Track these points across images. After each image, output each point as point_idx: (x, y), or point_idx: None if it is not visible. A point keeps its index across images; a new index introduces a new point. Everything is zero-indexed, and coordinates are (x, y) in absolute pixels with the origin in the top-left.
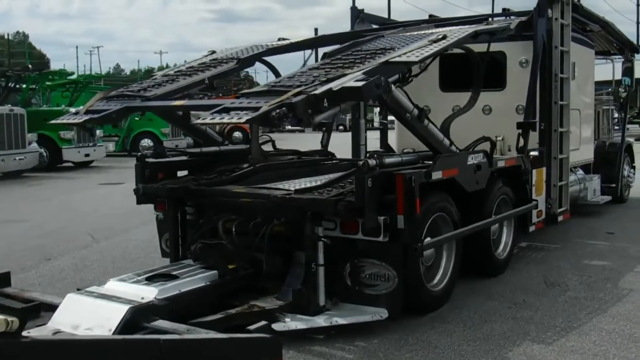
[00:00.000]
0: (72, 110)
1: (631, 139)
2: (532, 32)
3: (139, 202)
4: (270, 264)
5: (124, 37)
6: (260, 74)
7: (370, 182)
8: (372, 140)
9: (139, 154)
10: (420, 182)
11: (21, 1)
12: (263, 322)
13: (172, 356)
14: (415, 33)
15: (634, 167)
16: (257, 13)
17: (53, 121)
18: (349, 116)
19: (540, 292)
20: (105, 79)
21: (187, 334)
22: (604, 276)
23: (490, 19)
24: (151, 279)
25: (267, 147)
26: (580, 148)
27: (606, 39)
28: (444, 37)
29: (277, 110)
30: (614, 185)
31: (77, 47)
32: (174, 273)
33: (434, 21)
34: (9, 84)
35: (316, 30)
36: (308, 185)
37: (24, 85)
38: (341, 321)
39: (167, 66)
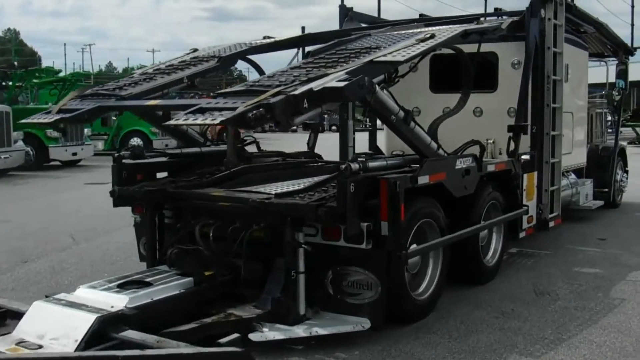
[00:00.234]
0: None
1: (624, 143)
2: (524, 33)
3: (115, 204)
4: (249, 271)
5: (116, 35)
6: (253, 73)
7: (353, 187)
8: (361, 142)
9: (116, 154)
10: (406, 187)
11: None
12: (235, 335)
13: None
14: (403, 32)
15: (626, 172)
16: (251, 12)
17: (24, 120)
18: None
19: (529, 301)
20: (96, 76)
21: (149, 350)
22: (595, 285)
23: (481, 19)
24: (123, 286)
25: (252, 148)
26: (573, 152)
27: (600, 40)
28: (432, 36)
29: (254, 112)
30: (606, 190)
31: (65, 45)
32: (148, 280)
33: (424, 20)
34: None
35: (303, 28)
36: (290, 189)
37: (10, 83)
38: (321, 331)
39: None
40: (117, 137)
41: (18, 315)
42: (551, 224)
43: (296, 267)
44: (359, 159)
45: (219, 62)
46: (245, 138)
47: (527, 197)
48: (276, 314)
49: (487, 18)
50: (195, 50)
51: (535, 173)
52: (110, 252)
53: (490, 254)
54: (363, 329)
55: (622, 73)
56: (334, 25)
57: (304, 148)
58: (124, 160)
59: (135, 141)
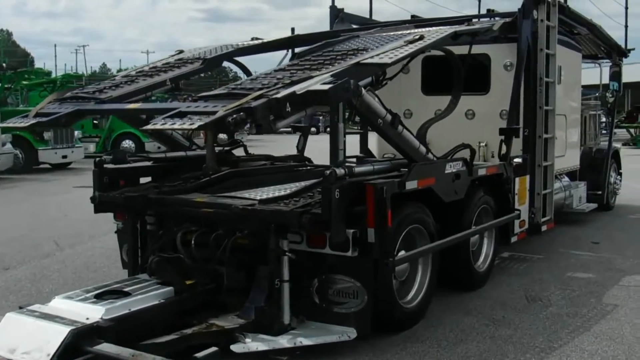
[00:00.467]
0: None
1: (617, 145)
2: (516, 34)
3: (96, 211)
4: (232, 279)
5: (111, 36)
6: None
7: (338, 192)
8: (352, 145)
9: (97, 159)
10: (394, 193)
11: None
12: (213, 349)
13: None
14: (392, 33)
15: (620, 174)
16: (247, 13)
17: (0, 125)
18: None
19: (520, 308)
20: (89, 78)
21: None
22: (588, 290)
23: (473, 20)
24: (100, 296)
25: (239, 152)
26: (566, 155)
27: (594, 42)
28: (421, 38)
29: (234, 116)
30: (600, 192)
31: (55, 46)
32: (126, 289)
33: (416, 22)
34: None
35: (293, 29)
36: (276, 194)
37: None
38: (306, 341)
39: None
40: (108, 140)
41: None
42: (544, 228)
43: (280, 275)
44: (345, 164)
45: (203, 64)
46: (240, 141)
47: (519, 201)
48: (260, 323)
49: (480, 20)
50: (181, 51)
51: (528, 176)
52: (95, 258)
53: (481, 259)
54: (349, 338)
55: (615, 75)
56: (328, 27)
57: (316, 150)
58: (105, 165)
59: (127, 144)
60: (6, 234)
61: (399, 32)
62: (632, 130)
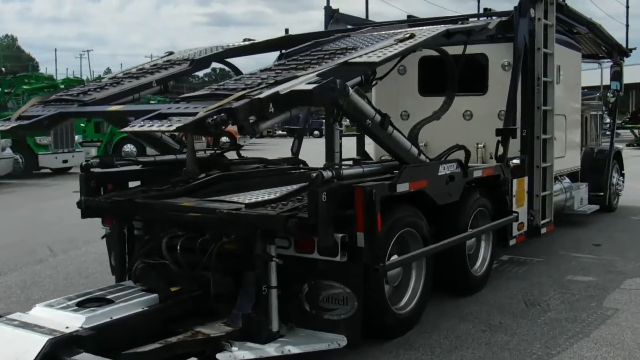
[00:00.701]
0: None
1: (620, 145)
2: (513, 33)
3: (83, 216)
4: (219, 286)
5: (115, 41)
6: None
7: (325, 196)
8: (349, 147)
9: (83, 163)
10: (384, 196)
11: (12, 4)
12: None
13: None
14: (384, 32)
15: (623, 175)
16: (251, 17)
17: None
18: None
19: (518, 313)
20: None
21: None
22: (588, 294)
23: (470, 20)
24: (82, 304)
25: (232, 155)
26: (566, 155)
27: (594, 41)
28: (412, 36)
29: (215, 117)
30: (602, 193)
31: (55, 50)
32: (110, 297)
33: (410, 21)
34: None
35: (287, 30)
36: (264, 198)
37: None
38: (294, 350)
39: None
40: (110, 144)
41: None
42: (543, 230)
43: (268, 281)
44: (333, 166)
45: (191, 65)
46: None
47: (517, 203)
48: (247, 331)
49: (479, 19)
50: (171, 53)
51: (526, 178)
52: (87, 264)
53: (478, 263)
54: (339, 346)
55: (616, 74)
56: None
57: (308, 153)
58: (92, 169)
59: (129, 148)
60: (1, 240)
61: (391, 31)
62: (636, 131)
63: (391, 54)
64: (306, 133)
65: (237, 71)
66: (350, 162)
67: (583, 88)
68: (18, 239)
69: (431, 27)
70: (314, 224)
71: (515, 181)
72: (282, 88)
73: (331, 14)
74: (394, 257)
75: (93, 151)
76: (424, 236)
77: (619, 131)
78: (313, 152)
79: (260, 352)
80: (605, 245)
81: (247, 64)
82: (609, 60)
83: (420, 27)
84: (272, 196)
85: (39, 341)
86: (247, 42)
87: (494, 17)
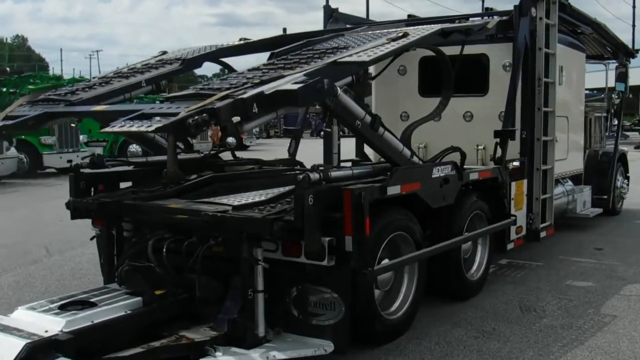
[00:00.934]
0: None
1: (626, 148)
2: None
3: (72, 217)
4: (205, 289)
5: (125, 42)
6: None
7: (312, 199)
8: (349, 148)
9: (74, 164)
10: (374, 199)
11: (23, 5)
12: None
13: None
14: (378, 32)
15: (627, 178)
16: (260, 18)
17: None
18: None
19: (513, 319)
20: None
21: None
22: (586, 300)
23: (470, 19)
24: (65, 307)
25: (227, 156)
26: (568, 158)
27: (599, 42)
28: (405, 35)
29: (196, 117)
30: (605, 196)
31: (61, 50)
32: (93, 300)
33: (409, 21)
34: None
35: (284, 30)
36: (254, 199)
37: (4, 89)
38: (279, 356)
39: None
40: (115, 144)
41: None
42: (543, 234)
43: (254, 285)
44: (320, 168)
45: (182, 64)
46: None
47: (516, 206)
48: (232, 336)
49: (477, 18)
50: (165, 52)
51: (525, 181)
52: (81, 265)
53: (474, 267)
54: (325, 352)
55: (622, 76)
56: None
57: (310, 155)
58: (81, 170)
59: (134, 147)
60: None
61: (385, 31)
62: None
63: (382, 53)
64: (313, 134)
65: (232, 71)
66: (349, 164)
67: (591, 90)
68: (15, 239)
69: (427, 26)
70: (300, 227)
71: (513, 184)
72: (267, 88)
73: (330, 13)
74: (385, 261)
75: (98, 151)
76: (417, 240)
77: (628, 133)
78: (315, 153)
79: (244, 357)
80: (607, 249)
81: (248, 64)
82: (614, 61)
83: (416, 27)
84: (262, 198)
85: (16, 345)
86: (240, 42)
87: (494, 17)
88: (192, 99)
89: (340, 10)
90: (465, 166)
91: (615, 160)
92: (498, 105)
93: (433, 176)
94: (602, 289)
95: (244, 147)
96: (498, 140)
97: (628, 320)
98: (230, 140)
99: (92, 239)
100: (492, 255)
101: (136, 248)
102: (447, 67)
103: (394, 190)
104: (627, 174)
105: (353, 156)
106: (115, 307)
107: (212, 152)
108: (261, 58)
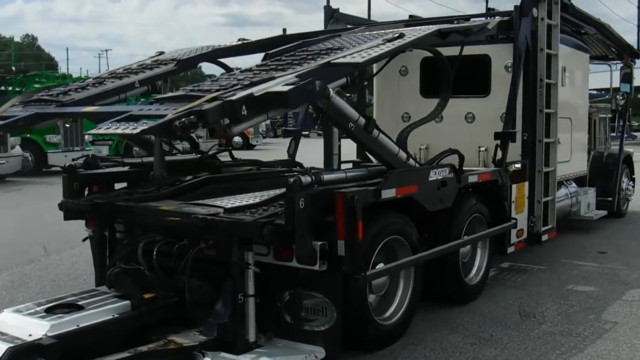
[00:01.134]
0: None
1: (631, 149)
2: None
3: (65, 217)
4: (196, 293)
5: (134, 41)
6: None
7: (303, 202)
8: (352, 150)
9: (67, 164)
10: (367, 202)
11: (34, 5)
12: None
13: None
14: (375, 32)
15: (633, 179)
16: (269, 18)
17: None
18: None
19: (511, 324)
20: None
21: None
22: (587, 305)
23: (472, 19)
24: (51, 310)
25: (225, 157)
26: (572, 159)
27: (603, 42)
28: (401, 36)
29: (183, 119)
30: (610, 198)
31: (67, 49)
32: (81, 303)
33: (409, 21)
34: None
35: (284, 30)
36: (248, 202)
37: (10, 88)
38: None
39: None
40: (121, 143)
41: None
42: (544, 237)
43: (244, 289)
44: (312, 171)
45: (177, 65)
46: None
47: (517, 209)
48: (222, 341)
49: (479, 19)
50: (162, 53)
51: (526, 183)
52: (78, 265)
53: (473, 271)
54: (316, 359)
55: (627, 77)
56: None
57: (312, 155)
58: (76, 171)
59: None
60: None
61: (381, 31)
62: None
63: (377, 54)
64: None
65: (229, 71)
66: (350, 165)
67: (599, 90)
68: (14, 238)
69: (424, 27)
70: (291, 231)
71: (514, 186)
72: (257, 90)
73: (331, 13)
74: (380, 266)
75: (104, 150)
76: (413, 244)
77: (636, 134)
78: (318, 154)
79: None
80: (610, 253)
81: (247, 65)
82: (619, 62)
83: (413, 27)
84: (257, 200)
85: None
86: (237, 42)
87: (496, 17)
88: (182, 101)
89: (347, 11)
90: (465, 168)
91: (621, 161)
92: (500, 107)
93: (430, 179)
94: (604, 294)
95: (251, 147)
96: (498, 142)
97: (629, 327)
98: (237, 139)
99: (84, 240)
100: (492, 259)
101: (127, 250)
102: (445, 68)
103: (389, 193)
104: (633, 176)
105: (354, 157)
106: (103, 310)
107: (210, 152)
108: (260, 59)
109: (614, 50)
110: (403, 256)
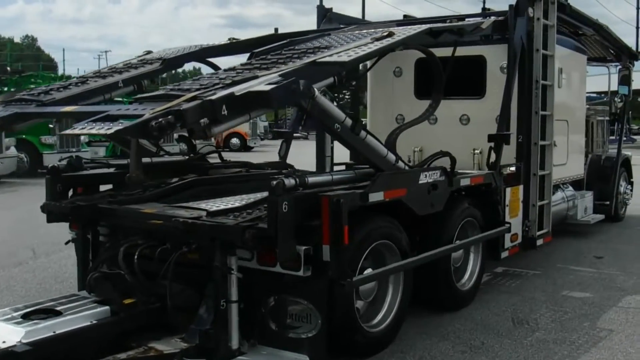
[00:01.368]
0: None
1: (629, 152)
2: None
3: (48, 220)
4: (177, 298)
5: (135, 43)
6: None
7: (286, 205)
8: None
9: (50, 166)
10: (355, 205)
11: (34, 6)
12: None
13: None
14: (365, 31)
15: (631, 183)
16: (268, 19)
17: None
18: None
19: (504, 332)
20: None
21: None
22: (582, 312)
23: (467, 19)
24: (28, 316)
25: (214, 159)
26: (568, 163)
27: (601, 44)
28: (390, 35)
29: (160, 119)
30: (607, 202)
31: (63, 50)
32: (59, 308)
33: (402, 21)
34: None
35: (276, 29)
36: (233, 205)
37: (5, 89)
38: None
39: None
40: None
41: None
42: (539, 242)
43: (227, 295)
44: (296, 173)
45: (163, 64)
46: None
47: (511, 213)
48: (204, 348)
49: (474, 19)
50: (149, 52)
51: (521, 187)
52: (66, 268)
53: (466, 276)
54: None
55: (625, 79)
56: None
57: (306, 157)
58: (59, 173)
59: None
60: None
61: (371, 30)
62: None
63: (364, 53)
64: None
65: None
66: (342, 167)
67: (599, 93)
68: (3, 240)
69: (415, 26)
70: (274, 235)
71: (508, 190)
72: (239, 89)
73: (324, 13)
74: (367, 272)
75: (101, 151)
76: (403, 249)
77: (636, 137)
78: (311, 156)
79: None
80: (607, 258)
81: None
82: (617, 64)
83: (404, 26)
84: (243, 203)
85: None
86: (226, 42)
87: (491, 17)
88: (161, 100)
89: (346, 12)
90: (458, 171)
91: (619, 165)
92: (495, 109)
93: (420, 182)
94: (600, 301)
95: (248, 149)
96: (492, 144)
97: (625, 335)
98: (235, 141)
99: (67, 243)
100: (485, 264)
101: (109, 254)
102: (437, 69)
103: (376, 196)
104: (631, 179)
105: (347, 159)
106: (81, 316)
107: (198, 154)
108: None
109: (612, 52)
110: (392, 261)
